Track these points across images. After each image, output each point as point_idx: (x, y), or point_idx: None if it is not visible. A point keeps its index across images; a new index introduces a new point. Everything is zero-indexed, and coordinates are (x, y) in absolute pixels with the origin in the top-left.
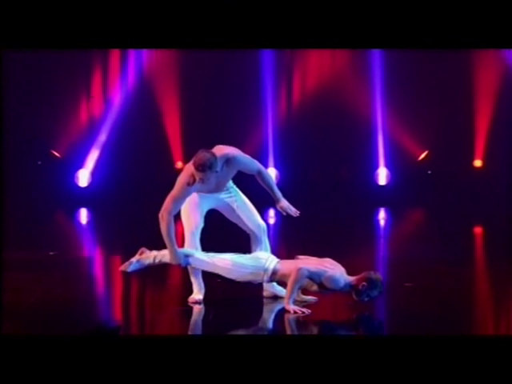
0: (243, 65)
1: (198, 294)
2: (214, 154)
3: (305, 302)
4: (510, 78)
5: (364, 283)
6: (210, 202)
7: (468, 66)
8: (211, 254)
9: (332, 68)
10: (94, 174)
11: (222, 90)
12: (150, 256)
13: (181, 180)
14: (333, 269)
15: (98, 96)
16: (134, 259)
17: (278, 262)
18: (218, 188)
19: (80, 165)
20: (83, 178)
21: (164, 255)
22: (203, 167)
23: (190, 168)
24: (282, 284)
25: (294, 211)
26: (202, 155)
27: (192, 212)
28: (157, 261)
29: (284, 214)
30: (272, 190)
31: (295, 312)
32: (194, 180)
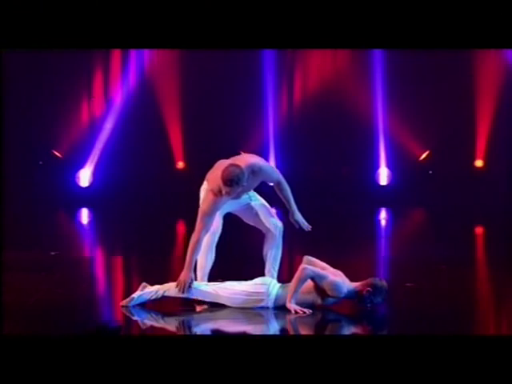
0: (244, 64)
1: None
2: (241, 168)
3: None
4: (510, 78)
5: (369, 289)
6: (229, 204)
7: (469, 67)
8: (213, 284)
9: (333, 68)
10: (95, 173)
11: (224, 89)
12: (151, 290)
13: (207, 196)
14: (335, 276)
15: (99, 96)
16: (135, 294)
17: (280, 287)
18: (239, 195)
19: (81, 165)
20: (84, 177)
21: (166, 289)
22: (231, 182)
23: (214, 182)
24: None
25: (306, 226)
26: (230, 170)
27: (215, 212)
28: (159, 295)
29: (297, 227)
30: (289, 201)
31: (296, 312)
32: (220, 193)
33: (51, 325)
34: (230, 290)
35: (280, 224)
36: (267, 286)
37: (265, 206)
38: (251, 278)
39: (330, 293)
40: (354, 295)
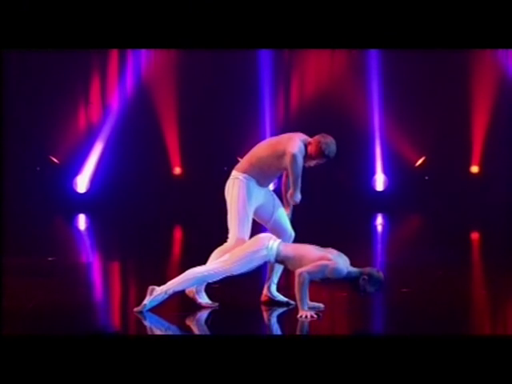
0: (241, 71)
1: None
2: None
3: (313, 308)
4: (506, 85)
5: (365, 277)
6: (262, 197)
7: (465, 74)
8: (214, 263)
9: (330, 74)
10: (92, 179)
11: (220, 95)
12: (161, 291)
13: (297, 160)
14: (335, 258)
15: (97, 102)
16: (146, 301)
17: (280, 243)
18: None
19: (78, 171)
20: (82, 183)
21: (175, 285)
22: (334, 155)
23: (296, 147)
24: (285, 266)
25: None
26: (334, 143)
27: (248, 205)
28: (169, 293)
29: (290, 203)
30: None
31: (312, 316)
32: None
33: (49, 330)
34: (234, 258)
35: (293, 233)
36: (267, 239)
37: (283, 211)
38: (251, 280)
39: (330, 276)
40: (350, 279)
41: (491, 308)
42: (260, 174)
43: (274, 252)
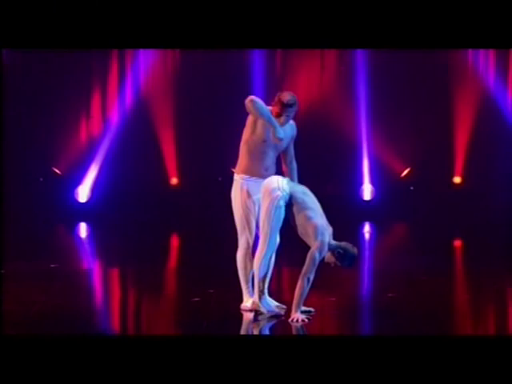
0: (238, 83)
1: (248, 301)
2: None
3: (304, 312)
4: (487, 98)
5: (340, 251)
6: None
7: (448, 86)
8: (261, 241)
9: (318, 85)
10: (93, 190)
11: (216, 107)
12: (258, 296)
13: (258, 103)
14: (322, 232)
15: (97, 115)
16: (262, 310)
17: (288, 181)
18: (281, 145)
19: (80, 181)
20: (83, 193)
21: (258, 279)
22: (294, 101)
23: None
24: (291, 208)
25: None
26: (287, 92)
27: (250, 202)
28: (262, 288)
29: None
30: (293, 174)
31: (303, 320)
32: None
33: (51, 332)
34: (264, 221)
35: (278, 240)
36: (276, 180)
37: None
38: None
39: (321, 257)
40: (329, 250)
41: (473, 310)
42: (254, 162)
43: (286, 189)
